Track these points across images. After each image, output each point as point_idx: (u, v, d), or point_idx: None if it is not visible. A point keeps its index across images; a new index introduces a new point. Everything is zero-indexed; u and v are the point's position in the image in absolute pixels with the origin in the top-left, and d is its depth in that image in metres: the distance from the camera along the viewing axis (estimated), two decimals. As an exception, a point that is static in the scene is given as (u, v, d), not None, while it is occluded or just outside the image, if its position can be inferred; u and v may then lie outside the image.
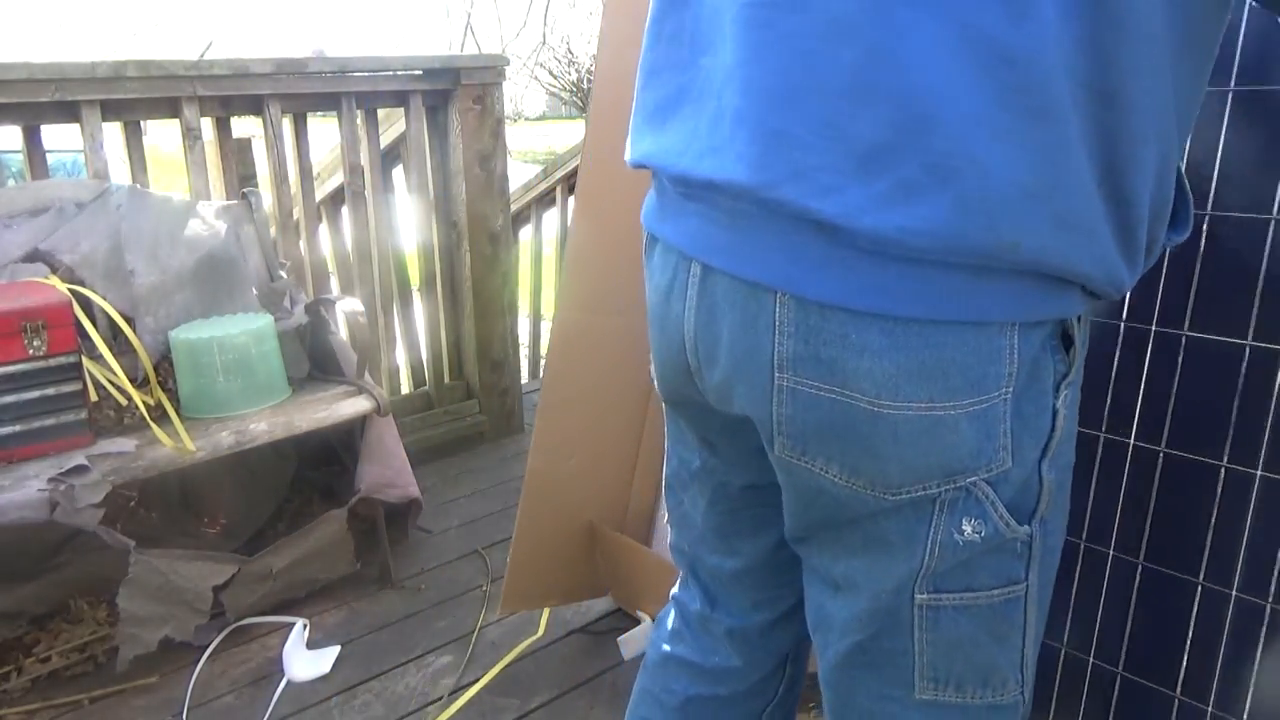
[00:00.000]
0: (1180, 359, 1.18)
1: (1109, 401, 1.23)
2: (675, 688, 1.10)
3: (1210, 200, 1.12)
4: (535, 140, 16.46)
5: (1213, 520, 1.15)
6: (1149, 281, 1.19)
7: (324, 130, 2.88)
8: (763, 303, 0.74)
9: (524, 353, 3.75)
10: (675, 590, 1.15)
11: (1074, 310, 0.75)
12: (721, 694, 1.09)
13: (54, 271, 2.02)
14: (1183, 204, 0.80)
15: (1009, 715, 0.88)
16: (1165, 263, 1.17)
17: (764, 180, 0.70)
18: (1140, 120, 0.67)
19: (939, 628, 0.81)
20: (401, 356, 3.03)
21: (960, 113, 0.64)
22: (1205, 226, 1.13)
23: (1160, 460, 1.19)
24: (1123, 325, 1.22)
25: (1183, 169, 0.81)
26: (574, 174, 3.38)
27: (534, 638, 1.99)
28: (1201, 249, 1.13)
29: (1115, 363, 1.22)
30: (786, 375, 0.75)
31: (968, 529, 0.77)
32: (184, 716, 1.80)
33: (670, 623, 1.14)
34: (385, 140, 2.87)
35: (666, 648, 1.13)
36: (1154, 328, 1.18)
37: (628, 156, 0.87)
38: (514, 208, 3.33)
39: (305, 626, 2.03)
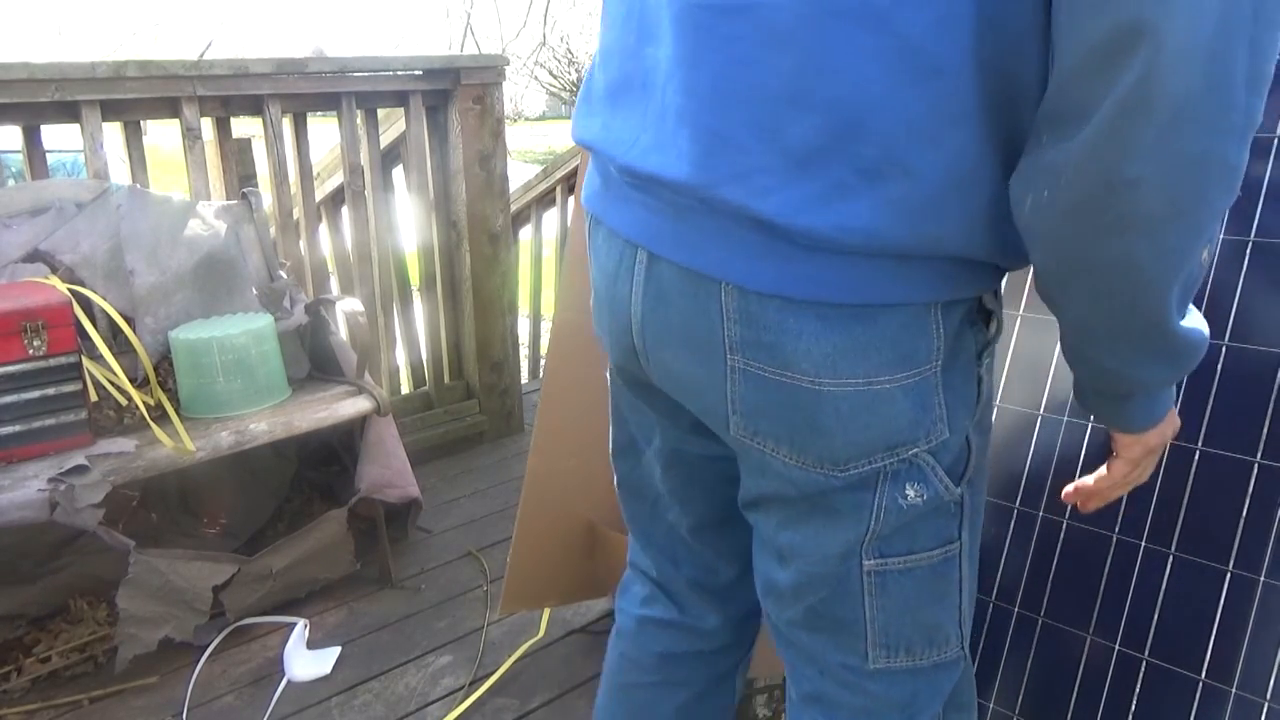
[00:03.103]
0: (1216, 374, 1.24)
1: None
2: (652, 647, 1.14)
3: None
4: (535, 140, 16.46)
5: (1244, 512, 1.20)
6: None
7: (324, 130, 2.88)
8: (710, 291, 0.78)
9: (524, 353, 3.75)
10: (632, 556, 1.18)
11: (989, 287, 0.81)
12: (696, 649, 1.13)
13: (54, 271, 2.02)
14: None
15: (953, 671, 0.94)
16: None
17: (706, 180, 0.74)
18: (1029, 117, 0.71)
19: (887, 592, 0.87)
20: (401, 356, 3.03)
21: (889, 121, 0.69)
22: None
23: (1196, 458, 1.25)
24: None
25: None
26: (574, 174, 3.38)
27: (534, 638, 1.99)
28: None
29: None
30: (738, 357, 0.79)
31: (911, 493, 0.82)
32: (184, 716, 1.80)
33: (638, 589, 1.18)
34: (385, 140, 2.87)
35: (640, 611, 1.16)
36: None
37: (574, 133, 0.91)
38: (514, 208, 3.33)
39: (305, 626, 2.03)
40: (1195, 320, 0.77)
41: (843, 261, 0.74)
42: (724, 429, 0.85)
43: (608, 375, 1.08)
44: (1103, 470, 0.93)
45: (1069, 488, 0.97)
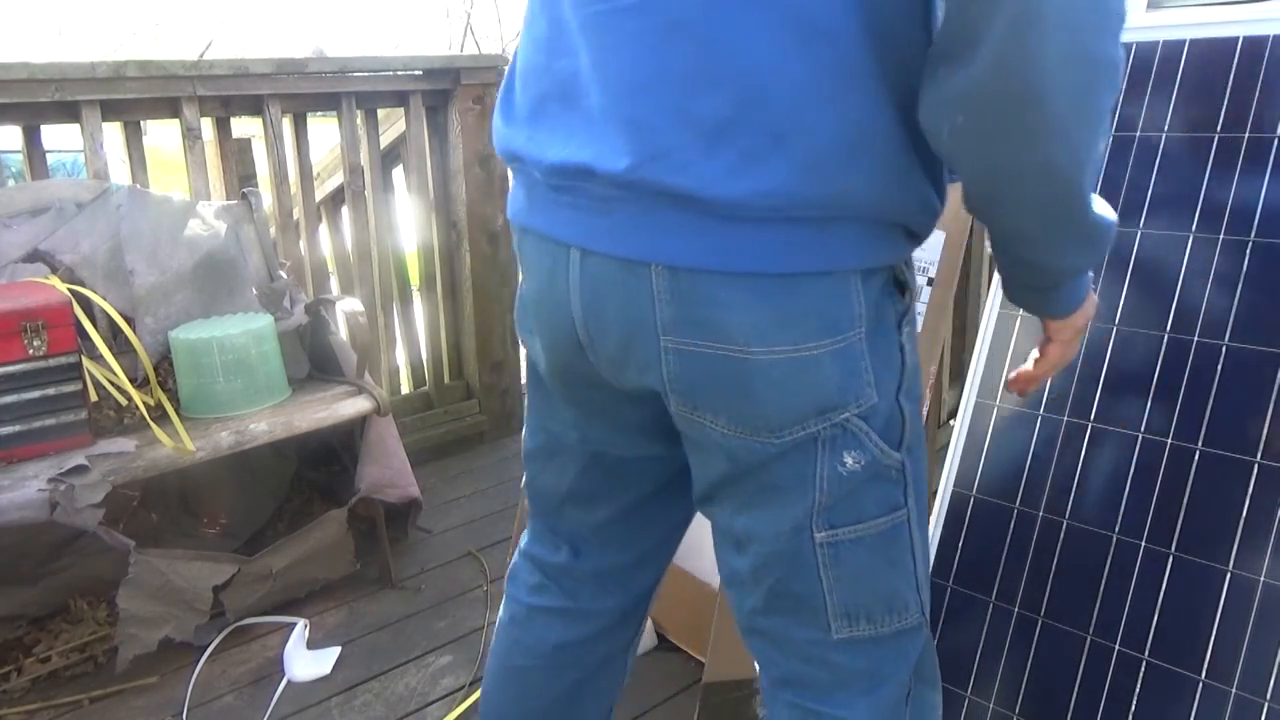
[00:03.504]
0: (1216, 374, 1.23)
1: (1149, 405, 1.31)
2: (547, 637, 1.16)
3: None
4: (535, 140, 16.42)
5: (1244, 512, 1.21)
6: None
7: (324, 130, 2.88)
8: (641, 276, 0.83)
9: (524, 352, 3.74)
10: (526, 546, 1.21)
11: (902, 255, 0.87)
12: (590, 633, 1.16)
13: (54, 271, 2.03)
14: None
15: (915, 637, 0.97)
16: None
17: (629, 164, 0.79)
18: (917, 75, 0.78)
19: (840, 563, 0.90)
20: (401, 356, 3.03)
21: (788, 86, 0.75)
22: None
23: (1196, 458, 1.25)
24: (1167, 336, 1.29)
25: None
26: (574, 174, 3.37)
27: (534, 638, 1.99)
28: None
29: (1155, 376, 1.33)
30: (670, 338, 0.84)
31: (849, 460, 0.87)
32: (184, 716, 1.80)
33: (526, 576, 1.19)
34: (385, 140, 2.87)
35: (530, 600, 1.18)
36: (1193, 337, 1.23)
37: (497, 145, 0.95)
38: (514, 208, 3.32)
39: (305, 626, 2.03)
40: (1103, 207, 0.85)
41: (765, 231, 0.79)
42: (669, 407, 0.90)
43: (524, 381, 1.13)
44: (1037, 354, 1.02)
45: (1010, 375, 1.07)
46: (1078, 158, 0.76)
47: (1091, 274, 0.95)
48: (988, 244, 2.36)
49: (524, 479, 1.17)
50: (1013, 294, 0.95)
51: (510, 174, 0.98)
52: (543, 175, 0.88)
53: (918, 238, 0.88)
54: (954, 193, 1.37)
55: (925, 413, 0.99)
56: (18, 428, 1.81)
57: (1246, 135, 1.27)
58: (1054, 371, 1.02)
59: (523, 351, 1.22)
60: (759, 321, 0.81)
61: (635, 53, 0.79)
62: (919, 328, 1.52)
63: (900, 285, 0.88)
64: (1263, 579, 1.18)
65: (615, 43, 0.80)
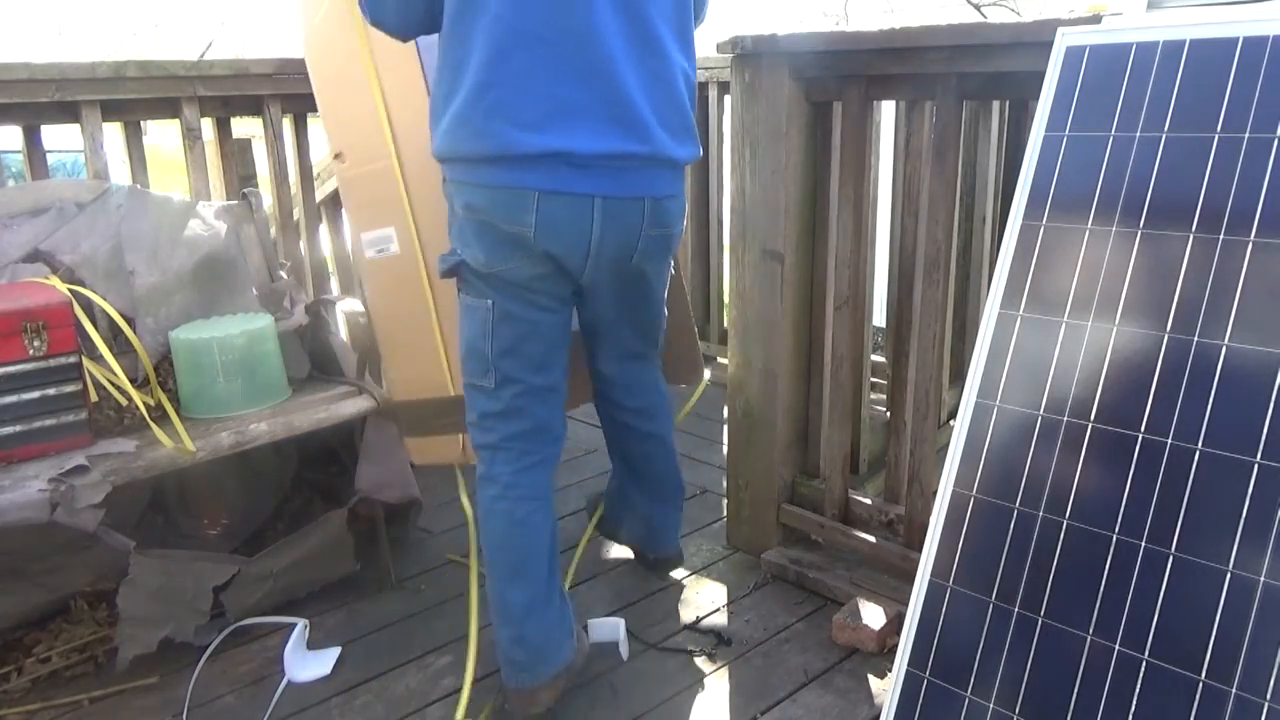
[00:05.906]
0: (1216, 374, 1.23)
1: (1149, 405, 1.31)
2: (537, 480, 1.77)
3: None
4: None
5: (1244, 512, 1.21)
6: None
7: (324, 130, 2.88)
8: (638, 205, 1.66)
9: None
10: (499, 438, 1.75)
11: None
12: (553, 454, 1.82)
13: (54, 272, 2.03)
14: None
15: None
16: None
17: (651, 150, 1.61)
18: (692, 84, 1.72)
19: (658, 299, 1.95)
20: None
21: (689, 107, 1.67)
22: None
23: (1196, 458, 1.25)
24: (1167, 336, 1.26)
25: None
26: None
27: (534, 638, 1.99)
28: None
29: (1154, 380, 1.32)
30: (648, 231, 1.69)
31: (670, 258, 1.90)
32: (184, 716, 1.80)
33: (505, 455, 1.75)
34: (385, 140, 2.86)
35: (516, 468, 1.75)
36: (1193, 338, 1.23)
37: (531, 149, 1.53)
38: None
39: (306, 627, 2.03)
40: None
41: (678, 173, 1.70)
42: (631, 262, 1.72)
43: (494, 299, 1.68)
44: None
45: None
46: None
47: None
48: (987, 243, 2.33)
49: (520, 389, 1.72)
50: None
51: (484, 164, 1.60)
52: (581, 160, 1.56)
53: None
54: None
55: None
56: (18, 428, 1.81)
57: (1246, 135, 1.28)
58: None
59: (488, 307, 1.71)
60: (678, 213, 1.75)
61: (646, 86, 1.59)
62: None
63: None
64: (1263, 579, 1.17)
65: (645, 77, 1.59)
